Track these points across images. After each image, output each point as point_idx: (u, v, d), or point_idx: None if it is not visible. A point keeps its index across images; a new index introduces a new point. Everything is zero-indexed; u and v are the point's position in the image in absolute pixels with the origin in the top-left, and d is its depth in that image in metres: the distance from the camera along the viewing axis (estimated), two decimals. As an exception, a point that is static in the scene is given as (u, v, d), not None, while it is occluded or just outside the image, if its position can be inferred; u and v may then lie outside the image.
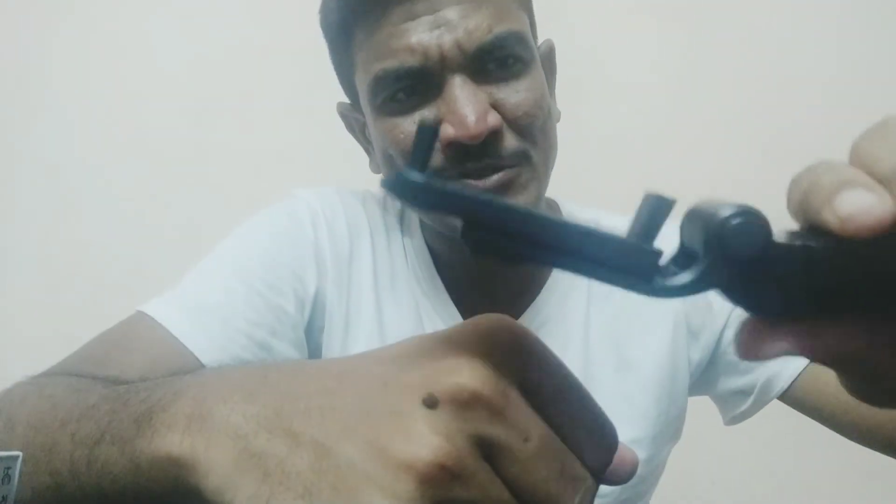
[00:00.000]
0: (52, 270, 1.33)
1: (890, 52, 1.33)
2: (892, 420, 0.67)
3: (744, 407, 0.77)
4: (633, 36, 1.36)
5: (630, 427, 0.71)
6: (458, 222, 0.25)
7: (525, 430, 0.27)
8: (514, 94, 0.63)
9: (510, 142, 0.63)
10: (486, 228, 0.24)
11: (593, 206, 0.81)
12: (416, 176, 0.25)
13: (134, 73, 1.36)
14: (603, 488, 0.69)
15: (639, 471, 0.71)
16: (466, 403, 0.26)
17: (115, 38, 1.36)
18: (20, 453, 0.29)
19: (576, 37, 1.28)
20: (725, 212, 0.24)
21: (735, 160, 1.34)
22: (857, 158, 0.25)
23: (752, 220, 0.24)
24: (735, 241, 0.24)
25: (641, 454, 0.72)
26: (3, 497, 0.29)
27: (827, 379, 0.69)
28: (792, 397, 0.74)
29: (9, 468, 0.29)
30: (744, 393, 0.76)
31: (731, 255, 0.24)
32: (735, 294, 0.25)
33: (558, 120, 0.71)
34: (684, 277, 0.24)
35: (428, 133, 0.25)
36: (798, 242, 0.24)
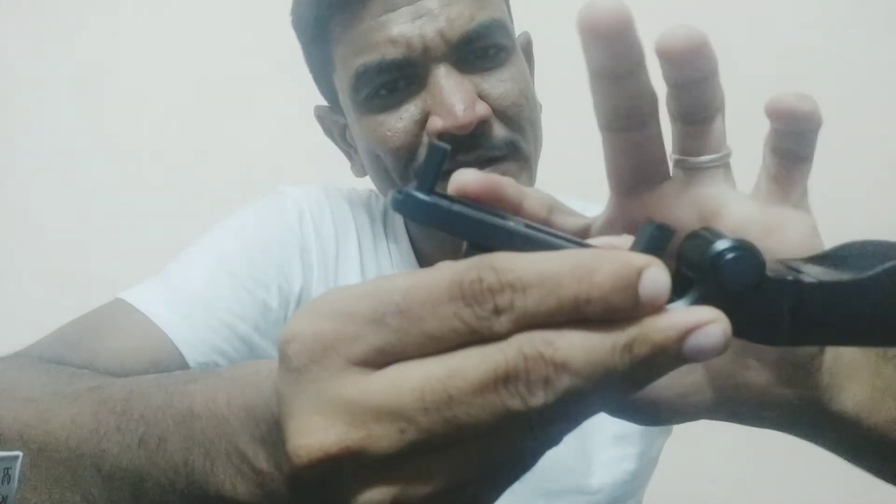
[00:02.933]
0: (54, 270, 1.33)
1: (892, 52, 1.33)
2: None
3: None
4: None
5: (619, 422, 0.71)
6: (462, 242, 0.26)
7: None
8: (500, 83, 0.62)
9: (499, 131, 0.62)
10: (489, 250, 0.25)
11: (584, 199, 0.81)
12: (423, 196, 0.25)
13: (134, 71, 1.35)
14: (591, 485, 0.70)
15: (631, 466, 0.72)
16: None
17: (113, 36, 1.36)
18: (20, 453, 0.29)
19: (571, 33, 1.28)
20: (721, 245, 0.25)
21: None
22: None
23: (747, 255, 0.25)
24: (729, 275, 0.25)
25: (632, 449, 0.72)
26: (3, 497, 0.29)
27: None
28: None
29: (9, 468, 0.29)
30: None
31: (725, 288, 0.25)
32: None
33: (541, 111, 0.70)
34: (678, 305, 0.25)
35: (438, 153, 0.25)
36: (790, 277, 0.25)
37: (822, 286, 0.25)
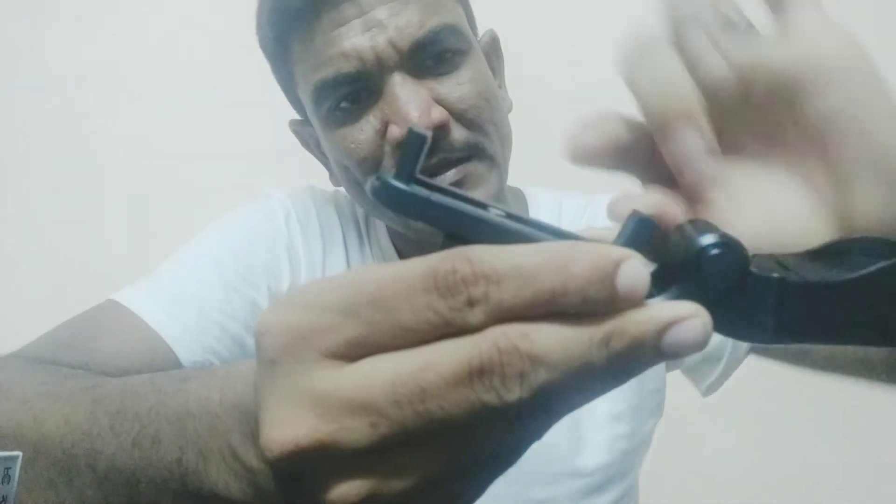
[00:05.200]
0: (47, 272, 1.33)
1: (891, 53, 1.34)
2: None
3: (717, 372, 0.76)
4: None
5: (609, 401, 0.72)
6: (438, 233, 0.25)
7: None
8: (457, 87, 0.63)
9: (459, 134, 0.63)
10: (467, 242, 0.24)
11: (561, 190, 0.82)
12: (401, 184, 0.25)
13: (132, 73, 1.35)
14: (586, 466, 0.70)
15: (622, 445, 0.73)
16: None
17: (113, 36, 1.36)
18: (20, 453, 0.29)
19: (563, 35, 1.28)
20: (705, 240, 0.24)
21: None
22: None
23: (731, 251, 0.24)
24: (712, 271, 0.24)
25: (623, 428, 0.73)
26: (3, 497, 0.29)
27: None
28: (763, 348, 0.73)
29: (9, 468, 0.29)
30: (712, 359, 0.76)
31: (707, 284, 0.24)
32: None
33: (510, 110, 0.70)
34: (659, 300, 0.24)
35: (417, 140, 0.25)
36: (776, 275, 0.25)
37: (807, 286, 0.25)
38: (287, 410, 0.23)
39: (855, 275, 0.25)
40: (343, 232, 0.75)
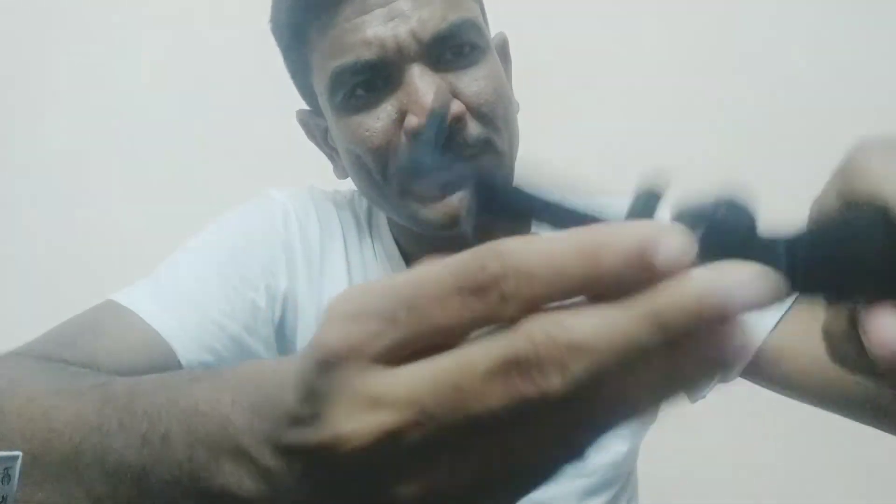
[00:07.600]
0: (52, 271, 1.33)
1: (888, 50, 1.34)
2: (853, 383, 0.63)
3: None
4: (631, 37, 1.36)
5: None
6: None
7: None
8: (474, 81, 0.64)
9: (474, 129, 0.63)
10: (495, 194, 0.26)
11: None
12: (430, 152, 0.26)
13: (136, 72, 1.36)
14: (587, 465, 0.71)
15: (622, 446, 0.74)
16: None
17: (112, 36, 1.36)
18: (20, 453, 0.29)
19: (571, 37, 1.28)
20: (710, 203, 0.25)
21: (731, 159, 1.34)
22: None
23: (736, 212, 0.24)
24: (718, 232, 0.24)
25: (624, 428, 0.73)
26: (3, 497, 0.29)
27: (792, 345, 0.67)
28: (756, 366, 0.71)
29: (9, 468, 0.29)
30: None
31: (716, 246, 0.24)
32: None
33: (517, 111, 0.71)
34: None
35: (438, 116, 0.26)
36: (782, 235, 0.25)
37: (813, 233, 0.25)
38: (341, 413, 0.24)
39: (858, 214, 0.26)
40: (343, 231, 0.75)
